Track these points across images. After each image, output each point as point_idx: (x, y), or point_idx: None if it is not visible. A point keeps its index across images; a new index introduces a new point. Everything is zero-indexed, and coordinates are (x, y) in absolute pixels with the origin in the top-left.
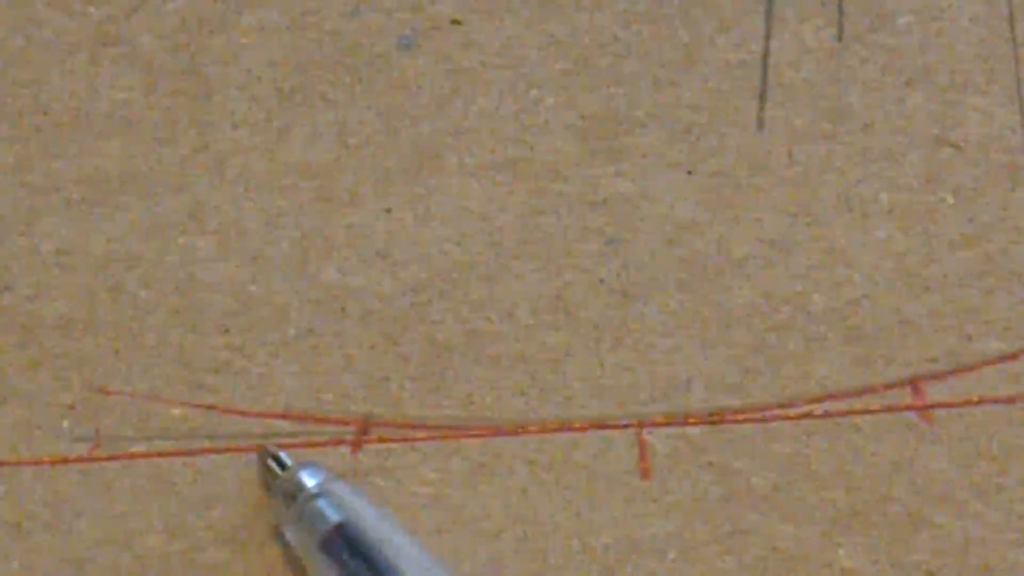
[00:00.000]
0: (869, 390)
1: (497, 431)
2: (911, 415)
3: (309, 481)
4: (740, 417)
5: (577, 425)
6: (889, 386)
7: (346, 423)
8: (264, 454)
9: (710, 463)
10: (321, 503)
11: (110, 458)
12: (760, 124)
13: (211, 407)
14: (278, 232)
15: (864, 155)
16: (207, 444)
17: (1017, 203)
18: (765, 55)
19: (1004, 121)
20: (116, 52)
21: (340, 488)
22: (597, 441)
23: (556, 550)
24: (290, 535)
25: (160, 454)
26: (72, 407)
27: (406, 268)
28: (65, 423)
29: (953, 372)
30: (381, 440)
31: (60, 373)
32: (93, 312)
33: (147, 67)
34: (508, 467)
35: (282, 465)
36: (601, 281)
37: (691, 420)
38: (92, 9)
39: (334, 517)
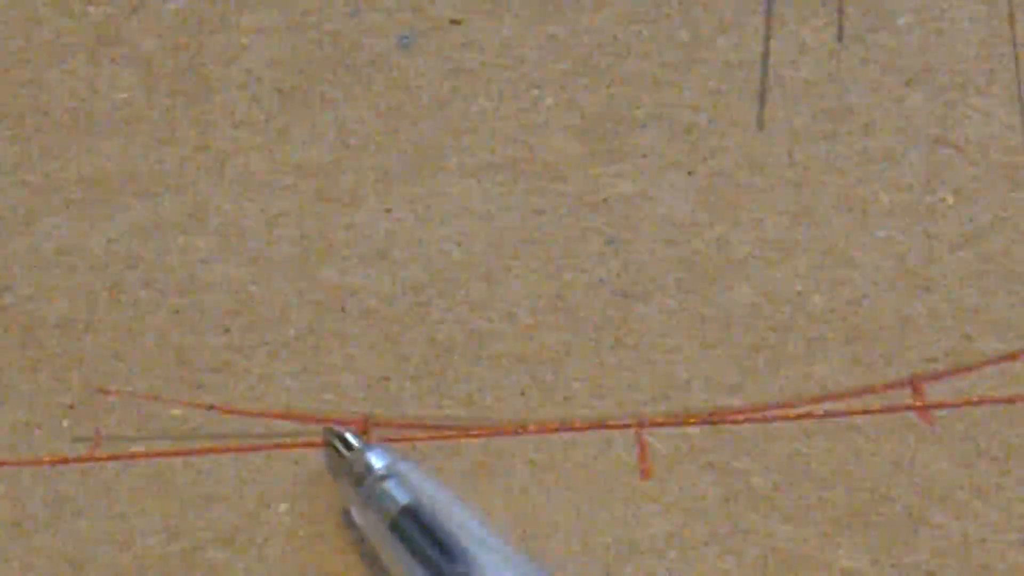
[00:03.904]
0: (869, 390)
1: (497, 431)
2: (911, 415)
3: (377, 462)
4: (740, 417)
5: (577, 425)
6: (889, 386)
7: (346, 423)
8: (330, 434)
9: (710, 463)
10: (390, 484)
11: (110, 458)
12: (760, 124)
13: (211, 407)
14: (278, 232)
15: (864, 155)
16: (207, 444)
17: (1017, 203)
18: (765, 55)
19: (1004, 121)
20: (116, 52)
21: (408, 469)
22: (597, 441)
23: (556, 550)
24: (359, 517)
25: (160, 454)
26: (72, 407)
27: (406, 268)
28: (65, 423)
29: (953, 372)
30: (381, 440)
31: (60, 373)
32: (93, 312)
33: (147, 67)
34: (508, 467)
35: (349, 446)
36: (601, 281)
37: (691, 420)
38: (92, 9)
39: (403, 498)
